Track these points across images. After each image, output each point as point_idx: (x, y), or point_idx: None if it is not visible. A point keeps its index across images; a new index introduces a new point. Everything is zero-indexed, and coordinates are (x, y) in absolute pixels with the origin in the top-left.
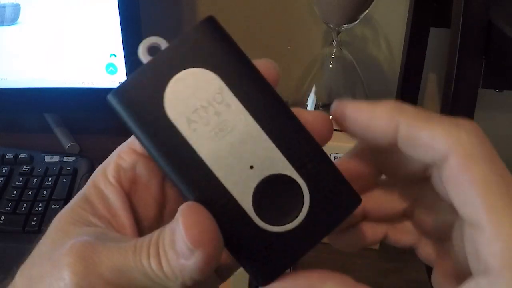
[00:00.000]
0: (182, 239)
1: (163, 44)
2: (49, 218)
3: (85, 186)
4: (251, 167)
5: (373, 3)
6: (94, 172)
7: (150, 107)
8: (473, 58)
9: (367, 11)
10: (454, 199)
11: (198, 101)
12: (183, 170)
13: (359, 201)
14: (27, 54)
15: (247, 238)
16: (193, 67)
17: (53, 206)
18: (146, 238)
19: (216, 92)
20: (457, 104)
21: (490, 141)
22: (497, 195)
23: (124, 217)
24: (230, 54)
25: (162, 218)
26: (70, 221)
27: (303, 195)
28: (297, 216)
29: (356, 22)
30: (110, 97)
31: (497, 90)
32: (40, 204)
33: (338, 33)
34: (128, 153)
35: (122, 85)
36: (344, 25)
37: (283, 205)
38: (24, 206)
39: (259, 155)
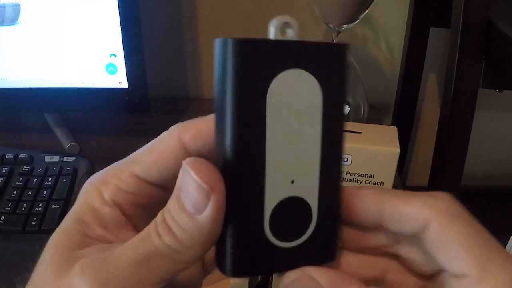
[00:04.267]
0: (196, 185)
1: (294, 25)
2: (49, 218)
3: (76, 205)
4: (292, 181)
5: (373, 3)
6: (84, 189)
7: (257, 76)
8: (473, 58)
9: (367, 11)
10: (440, 257)
11: (295, 102)
12: (243, 142)
13: (331, 259)
14: (27, 54)
15: (247, 230)
16: (312, 75)
17: (53, 206)
18: (150, 225)
19: (311, 107)
20: (457, 104)
21: (490, 141)
22: (480, 247)
23: (126, 235)
24: (341, 87)
25: None
26: (69, 246)
27: (307, 228)
28: (292, 240)
29: (356, 22)
30: (226, 42)
31: (497, 90)
32: (40, 204)
33: (338, 33)
34: (129, 176)
35: (246, 41)
36: (344, 25)
37: (291, 224)
38: (24, 206)
39: (303, 179)
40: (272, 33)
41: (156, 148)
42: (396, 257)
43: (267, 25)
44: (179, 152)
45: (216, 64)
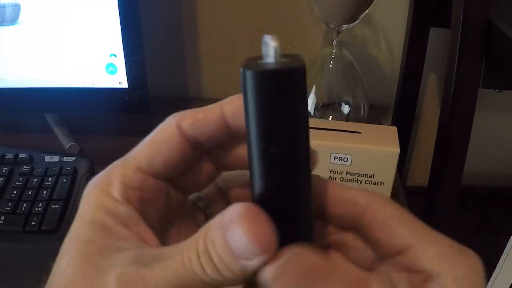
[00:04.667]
0: (244, 245)
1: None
2: (49, 218)
3: (87, 210)
4: None
5: (373, 3)
6: (90, 193)
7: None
8: (473, 58)
9: (367, 11)
10: (381, 237)
11: None
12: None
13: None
14: (27, 54)
15: None
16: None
17: (53, 206)
18: (191, 251)
19: None
20: (457, 104)
21: (490, 141)
22: (415, 223)
23: (145, 231)
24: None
25: (166, 234)
26: (97, 253)
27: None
28: None
29: (356, 22)
30: (263, 76)
31: (497, 90)
32: (40, 204)
33: (338, 33)
34: (134, 172)
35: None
36: (344, 25)
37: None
38: (24, 206)
39: None
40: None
41: (156, 138)
42: (338, 247)
43: (265, 26)
44: (179, 140)
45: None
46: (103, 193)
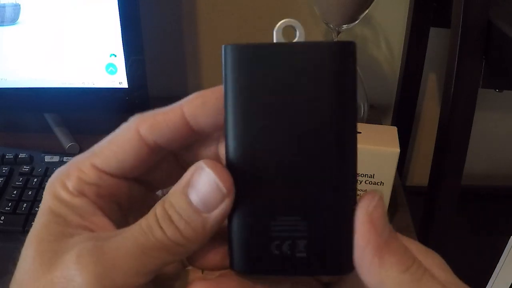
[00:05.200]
0: (214, 186)
1: (298, 28)
2: None
3: (44, 199)
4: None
5: (373, 3)
6: (49, 184)
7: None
8: (473, 58)
9: (367, 11)
10: None
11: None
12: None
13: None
14: (27, 54)
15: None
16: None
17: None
18: (149, 218)
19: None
20: (457, 104)
21: (490, 141)
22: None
23: (102, 221)
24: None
25: (127, 222)
26: (53, 238)
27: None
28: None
29: (356, 22)
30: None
31: (497, 90)
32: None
33: (338, 33)
34: (90, 168)
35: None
36: (344, 25)
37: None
38: (24, 206)
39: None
40: (276, 32)
41: (115, 140)
42: None
43: (265, 26)
44: (137, 144)
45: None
46: (59, 184)
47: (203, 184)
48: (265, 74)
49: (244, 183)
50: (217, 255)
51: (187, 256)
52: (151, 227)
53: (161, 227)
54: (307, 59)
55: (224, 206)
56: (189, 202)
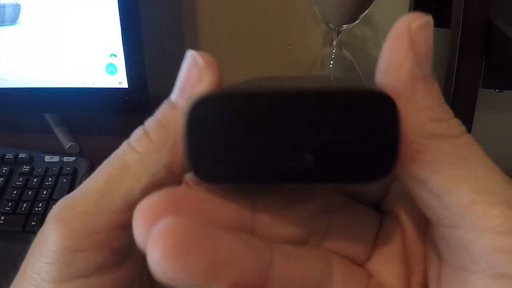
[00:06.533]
0: (191, 62)
1: None
2: None
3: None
4: None
5: (373, 3)
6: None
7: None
8: (473, 58)
9: (367, 11)
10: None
11: None
12: None
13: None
14: (27, 54)
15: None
16: None
17: (53, 206)
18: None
19: None
20: (457, 104)
21: (490, 141)
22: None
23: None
24: None
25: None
26: None
27: None
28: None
29: (356, 22)
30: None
31: (497, 90)
32: (40, 204)
33: (338, 33)
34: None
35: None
36: (344, 25)
37: None
38: (24, 206)
39: None
40: None
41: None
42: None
43: (265, 26)
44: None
45: None
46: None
47: (182, 69)
48: None
49: None
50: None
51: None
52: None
53: (128, 144)
54: None
55: (202, 86)
56: (167, 102)
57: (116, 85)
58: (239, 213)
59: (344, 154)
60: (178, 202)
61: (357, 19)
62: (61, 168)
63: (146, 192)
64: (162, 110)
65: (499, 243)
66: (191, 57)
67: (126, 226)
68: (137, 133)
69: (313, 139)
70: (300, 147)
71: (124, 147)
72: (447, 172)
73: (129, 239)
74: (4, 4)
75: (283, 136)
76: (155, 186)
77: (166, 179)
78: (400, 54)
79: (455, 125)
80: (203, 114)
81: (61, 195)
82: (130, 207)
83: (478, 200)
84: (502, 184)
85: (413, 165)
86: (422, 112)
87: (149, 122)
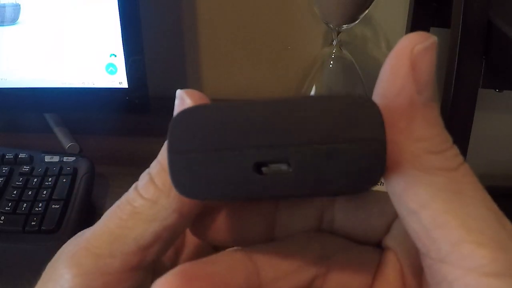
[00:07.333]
0: (180, 100)
1: None
2: (49, 218)
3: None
4: None
5: (373, 3)
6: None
7: None
8: (473, 58)
9: (367, 11)
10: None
11: None
12: None
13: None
14: (27, 54)
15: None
16: None
17: (53, 206)
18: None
19: None
20: (457, 104)
21: (490, 141)
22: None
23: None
24: None
25: None
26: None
27: None
28: None
29: (356, 22)
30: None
31: (497, 90)
32: (40, 204)
33: (338, 33)
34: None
35: None
36: (344, 25)
37: None
38: (24, 206)
39: None
40: None
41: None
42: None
43: (265, 26)
44: None
45: None
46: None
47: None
48: None
49: None
50: (222, 224)
51: (195, 230)
52: (128, 197)
53: (137, 190)
54: None
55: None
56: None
57: (116, 85)
58: (246, 276)
59: (326, 163)
60: (191, 278)
61: (357, 19)
62: (61, 168)
63: (158, 234)
64: (163, 154)
65: (483, 284)
66: (178, 97)
67: (138, 268)
68: (143, 178)
69: (293, 149)
70: (279, 158)
71: (132, 192)
72: (438, 206)
73: (140, 280)
74: (4, 4)
75: (261, 148)
76: (167, 229)
77: (177, 222)
78: (399, 80)
79: (452, 157)
80: (181, 129)
81: (61, 195)
82: (143, 249)
83: (466, 238)
84: (494, 222)
85: (404, 196)
86: (418, 142)
87: (153, 167)
